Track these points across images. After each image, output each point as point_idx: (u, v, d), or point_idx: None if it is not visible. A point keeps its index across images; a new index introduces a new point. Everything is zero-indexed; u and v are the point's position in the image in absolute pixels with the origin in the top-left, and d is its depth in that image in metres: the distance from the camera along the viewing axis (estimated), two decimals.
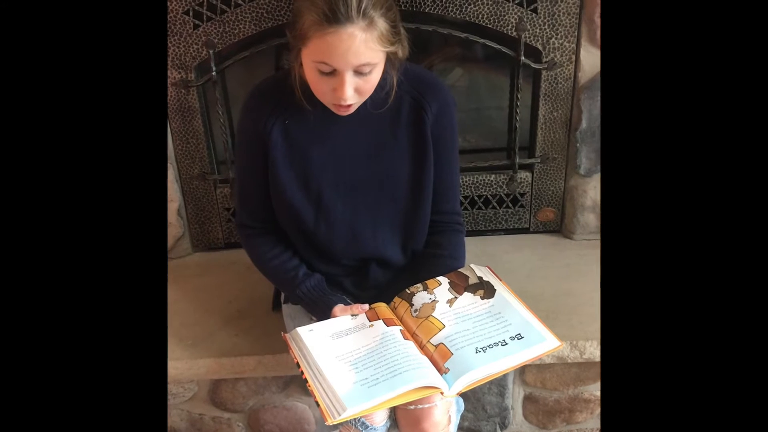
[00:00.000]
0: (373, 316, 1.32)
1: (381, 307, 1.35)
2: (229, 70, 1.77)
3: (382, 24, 1.15)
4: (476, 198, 1.92)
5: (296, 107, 1.31)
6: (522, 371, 1.71)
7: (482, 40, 1.72)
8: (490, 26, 1.69)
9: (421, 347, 1.25)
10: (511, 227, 1.98)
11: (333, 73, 1.17)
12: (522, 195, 1.93)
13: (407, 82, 1.32)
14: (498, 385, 1.72)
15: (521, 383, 1.74)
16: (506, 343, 1.23)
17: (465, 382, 1.18)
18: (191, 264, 1.93)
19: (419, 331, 1.29)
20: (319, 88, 1.21)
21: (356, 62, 1.15)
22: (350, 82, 1.17)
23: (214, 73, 1.71)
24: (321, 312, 1.37)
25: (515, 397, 1.76)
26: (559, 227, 1.98)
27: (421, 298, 1.34)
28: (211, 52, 1.68)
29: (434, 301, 1.33)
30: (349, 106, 1.23)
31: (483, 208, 1.93)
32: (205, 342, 1.63)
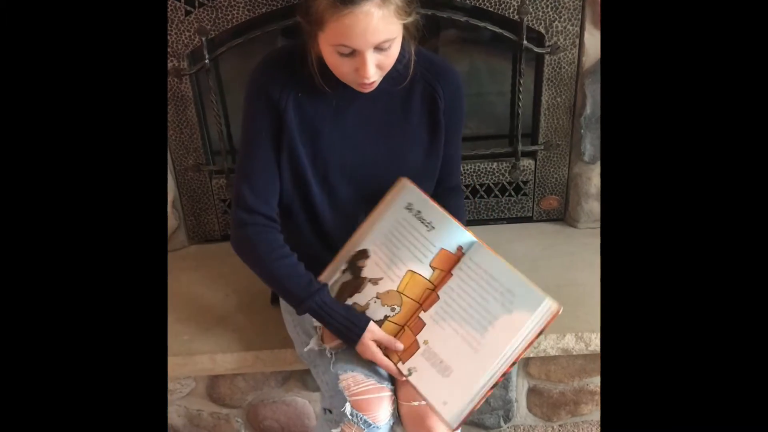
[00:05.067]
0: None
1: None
2: (222, 58, 1.72)
3: None
4: (478, 186, 1.88)
5: (308, 82, 1.26)
6: (526, 363, 1.68)
7: (483, 24, 1.67)
8: (492, 9, 1.64)
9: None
10: (514, 216, 1.93)
11: (353, 53, 1.14)
12: (525, 183, 1.88)
13: (419, 65, 1.29)
14: None
15: (525, 375, 1.71)
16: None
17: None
18: (187, 257, 1.89)
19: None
20: (341, 69, 1.18)
21: (376, 40, 1.12)
22: (372, 60, 1.14)
23: (207, 61, 1.65)
24: (349, 330, 1.26)
25: (519, 389, 1.73)
26: (563, 215, 1.94)
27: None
28: (203, 39, 1.63)
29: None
30: (373, 82, 1.20)
31: (485, 196, 1.89)
32: (202, 338, 1.59)
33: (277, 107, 1.27)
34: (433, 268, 1.28)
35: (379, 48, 1.14)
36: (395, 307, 1.28)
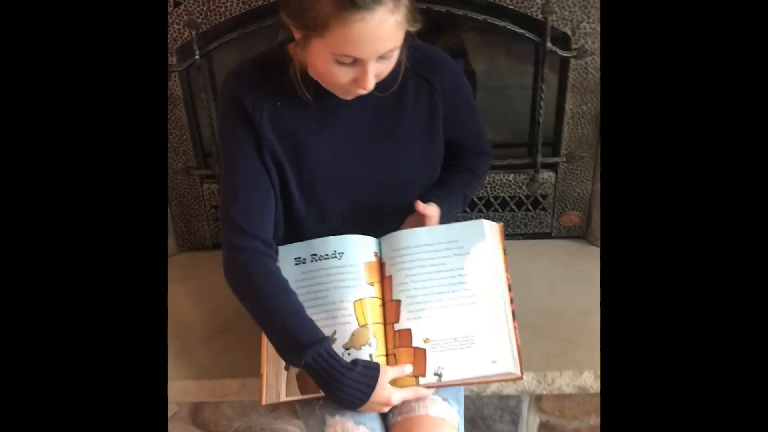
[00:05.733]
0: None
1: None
2: (215, 54, 1.58)
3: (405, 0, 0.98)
4: (492, 199, 1.72)
5: (287, 90, 1.13)
6: (538, 398, 1.53)
7: (503, 23, 1.51)
8: (512, 7, 1.48)
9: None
10: (531, 232, 1.78)
11: (354, 62, 1.01)
12: (544, 197, 1.73)
13: (410, 60, 1.16)
14: (511, 413, 1.55)
15: (537, 410, 1.57)
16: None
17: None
18: (176, 265, 1.75)
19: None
20: (335, 79, 1.04)
21: (384, 49, 1.01)
22: (373, 69, 1.02)
23: (197, 57, 1.51)
24: (359, 382, 1.10)
25: (530, 424, 1.58)
26: (585, 233, 1.78)
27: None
28: (194, 33, 1.49)
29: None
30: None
31: (500, 210, 1.74)
32: (184, 359, 1.47)
33: (251, 120, 1.13)
34: (371, 284, 1.20)
35: (381, 57, 1.02)
36: (370, 342, 1.16)
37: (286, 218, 1.23)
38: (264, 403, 1.18)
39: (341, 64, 1.02)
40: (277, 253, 1.22)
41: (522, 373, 1.13)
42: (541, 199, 1.73)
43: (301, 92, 1.11)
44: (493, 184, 1.70)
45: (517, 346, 1.14)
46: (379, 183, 1.23)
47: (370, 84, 1.04)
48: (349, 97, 1.10)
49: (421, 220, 1.24)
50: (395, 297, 1.19)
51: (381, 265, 1.23)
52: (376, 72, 1.04)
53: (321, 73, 1.06)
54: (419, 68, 1.18)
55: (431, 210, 1.23)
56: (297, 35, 1.03)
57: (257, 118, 1.13)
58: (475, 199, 1.70)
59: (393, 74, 1.11)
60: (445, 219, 1.27)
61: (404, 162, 1.24)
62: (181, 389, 1.43)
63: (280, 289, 1.15)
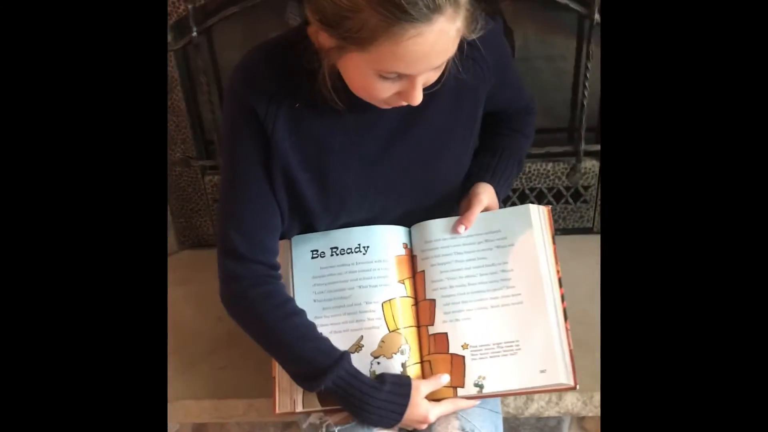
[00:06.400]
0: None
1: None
2: (216, 30, 1.41)
3: (464, 1, 0.83)
4: (528, 191, 1.56)
5: (306, 88, 0.94)
6: (581, 418, 1.38)
7: None
8: None
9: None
10: (570, 227, 1.62)
11: (399, 76, 0.86)
12: (586, 188, 1.56)
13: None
14: None
15: (579, 429, 1.41)
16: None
17: None
18: (176, 265, 1.60)
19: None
20: (374, 93, 0.88)
21: (439, 62, 0.86)
22: (422, 81, 0.87)
23: (194, 34, 1.34)
24: (390, 402, 0.98)
25: None
26: None
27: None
28: (190, 7, 1.32)
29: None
30: None
31: (536, 202, 1.56)
32: (184, 376, 1.33)
33: (263, 128, 0.95)
34: (401, 281, 1.07)
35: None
36: (403, 349, 1.03)
37: (302, 232, 1.09)
38: (278, 411, 1.04)
39: (385, 79, 0.85)
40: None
41: (576, 383, 1.00)
42: (582, 190, 1.56)
43: (332, 101, 0.93)
44: (530, 175, 1.53)
45: (570, 351, 1.01)
46: (415, 185, 1.07)
47: (418, 99, 0.88)
48: (389, 107, 0.93)
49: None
50: (429, 296, 1.06)
51: (412, 258, 1.09)
52: (425, 81, 0.87)
53: (357, 85, 0.89)
54: (463, 48, 0.96)
55: (482, 203, 1.08)
56: (327, 41, 0.85)
57: (270, 126, 0.95)
58: (510, 193, 1.53)
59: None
60: (503, 189, 1.15)
61: (443, 159, 1.07)
62: (180, 410, 1.30)
63: (286, 312, 1.01)
